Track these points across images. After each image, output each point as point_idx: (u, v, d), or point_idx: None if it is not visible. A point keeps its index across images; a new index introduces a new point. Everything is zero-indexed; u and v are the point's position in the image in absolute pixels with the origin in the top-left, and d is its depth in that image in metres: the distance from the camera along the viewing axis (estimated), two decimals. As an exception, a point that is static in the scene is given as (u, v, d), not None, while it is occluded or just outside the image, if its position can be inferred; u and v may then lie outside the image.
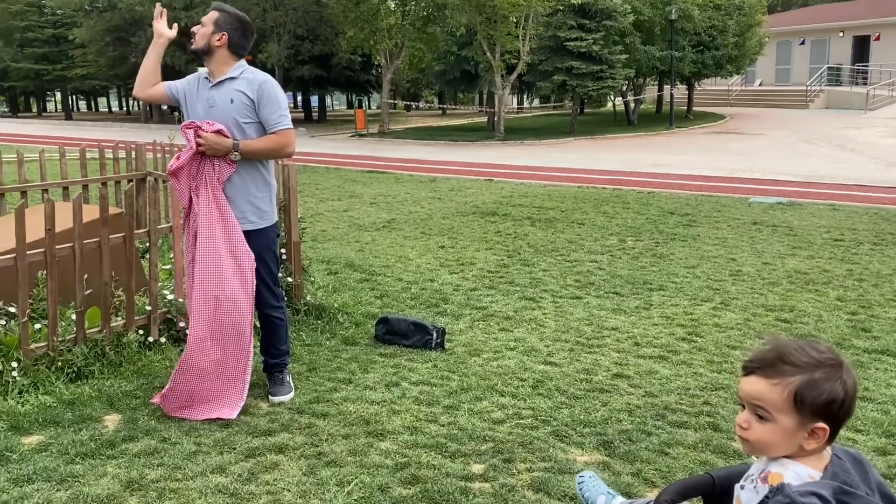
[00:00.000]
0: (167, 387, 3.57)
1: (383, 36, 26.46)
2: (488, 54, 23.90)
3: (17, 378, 3.68)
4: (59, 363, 3.88)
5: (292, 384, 3.86)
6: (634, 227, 8.64)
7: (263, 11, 29.53)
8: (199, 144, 3.46)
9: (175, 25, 3.70)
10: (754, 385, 1.36)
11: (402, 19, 27.14)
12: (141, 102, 40.18)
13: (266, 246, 3.68)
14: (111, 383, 3.88)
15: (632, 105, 28.47)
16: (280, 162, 4.93)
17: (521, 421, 3.53)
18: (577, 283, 6.10)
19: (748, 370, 1.40)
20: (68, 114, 44.04)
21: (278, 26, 30.07)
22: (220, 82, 3.56)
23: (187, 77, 3.74)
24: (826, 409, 1.33)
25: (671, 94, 26.25)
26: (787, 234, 8.14)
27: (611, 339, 4.73)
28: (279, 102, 3.57)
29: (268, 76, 3.63)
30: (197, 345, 3.51)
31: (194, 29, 3.61)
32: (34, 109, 53.63)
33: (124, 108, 54.96)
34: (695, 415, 3.61)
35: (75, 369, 3.91)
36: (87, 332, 4.05)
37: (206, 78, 3.65)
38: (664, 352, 4.50)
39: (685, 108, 30.52)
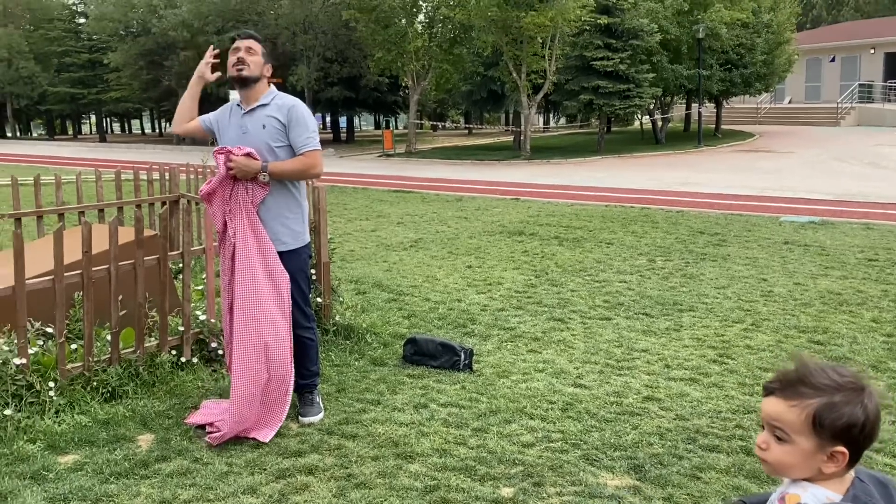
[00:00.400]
0: (220, 426, 3.57)
1: (410, 58, 26.72)
2: (514, 74, 24.00)
3: (54, 397, 3.75)
4: (94, 383, 3.95)
5: (322, 405, 3.89)
6: (664, 246, 8.59)
7: (293, 35, 30.02)
8: (229, 168, 3.52)
9: (217, 73, 3.77)
10: (773, 406, 1.36)
11: (429, 41, 27.41)
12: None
13: (299, 267, 3.74)
14: (144, 403, 3.94)
15: (659, 123, 28.36)
16: (311, 184, 5.00)
17: (551, 444, 3.51)
18: (606, 304, 6.07)
19: (768, 391, 1.40)
20: (102, 136, 44.98)
21: (308, 49, 30.52)
22: (252, 109, 3.64)
23: (221, 107, 3.83)
24: (846, 433, 1.31)
25: (699, 113, 26.10)
26: (819, 253, 8.03)
27: (641, 361, 4.69)
28: (307, 125, 3.65)
29: (297, 100, 3.72)
30: (243, 370, 3.53)
31: (242, 55, 3.61)
32: (70, 132, 54.85)
33: (157, 131, 55.98)
34: (727, 438, 3.57)
35: (110, 389, 3.98)
36: (122, 352, 4.12)
37: (239, 105, 3.72)
38: (695, 374, 4.46)
39: (713, 126, 30.33)
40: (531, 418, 3.80)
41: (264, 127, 3.59)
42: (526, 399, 4.05)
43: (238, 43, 3.65)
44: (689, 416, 3.83)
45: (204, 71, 3.78)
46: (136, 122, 61.56)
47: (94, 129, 52.25)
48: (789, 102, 38.04)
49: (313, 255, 4.86)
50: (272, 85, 3.74)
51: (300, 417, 3.77)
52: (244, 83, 3.62)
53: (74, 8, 45.43)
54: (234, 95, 3.79)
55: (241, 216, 3.54)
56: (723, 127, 30.77)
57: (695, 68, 25.35)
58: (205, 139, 4.00)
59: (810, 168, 17.90)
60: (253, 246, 3.53)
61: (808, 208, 11.58)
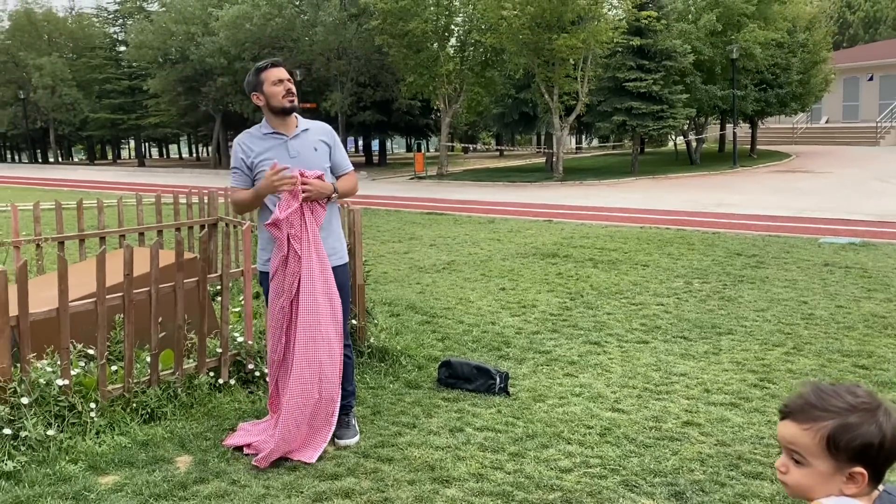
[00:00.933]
0: (260, 446, 3.60)
1: (442, 81, 26.94)
2: (546, 96, 24.05)
3: (95, 418, 3.81)
4: (134, 404, 4.00)
5: (357, 427, 3.89)
6: (700, 268, 8.48)
7: (327, 61, 30.46)
8: (305, 191, 3.54)
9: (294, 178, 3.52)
10: (788, 429, 1.38)
11: (461, 65, 27.62)
12: (210, 148, 41.75)
13: (346, 282, 3.87)
14: (182, 425, 3.97)
15: (693, 144, 28.15)
16: (346, 206, 5.05)
17: (589, 469, 3.46)
18: (643, 327, 6.00)
19: (783, 414, 1.41)
20: (141, 161, 45.96)
21: (341, 75, 30.93)
22: (297, 135, 3.72)
23: (238, 155, 3.69)
24: (862, 454, 1.31)
25: (734, 133, 25.86)
26: (861, 275, 7.85)
27: (680, 386, 4.62)
28: (343, 148, 3.93)
29: (325, 126, 3.91)
30: (298, 389, 3.56)
31: (290, 86, 3.68)
32: (110, 157, 56.16)
33: (194, 155, 57.06)
34: (770, 465, 3.48)
35: (149, 410, 4.02)
36: (161, 373, 4.16)
37: (275, 133, 3.71)
38: (736, 399, 4.37)
39: (749, 146, 30.02)
40: (569, 443, 3.76)
41: (316, 150, 3.72)
42: (563, 423, 4.00)
43: (280, 73, 3.68)
44: (731, 442, 3.75)
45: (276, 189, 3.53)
46: (173, 147, 62.83)
47: (133, 153, 53.44)
48: (826, 122, 37.51)
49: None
50: None
51: (336, 440, 3.77)
52: (291, 112, 3.72)
53: (115, 36, 46.72)
54: (257, 127, 3.83)
55: (308, 238, 3.58)
56: (758, 147, 30.44)
57: (729, 88, 25.17)
58: None
59: (849, 188, 17.59)
60: (316, 267, 3.59)
61: (849, 229, 11.36)
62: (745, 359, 5.12)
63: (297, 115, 3.81)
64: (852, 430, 1.30)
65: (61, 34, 44.96)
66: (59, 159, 50.38)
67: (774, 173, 22.79)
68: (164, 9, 38.36)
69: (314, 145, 3.71)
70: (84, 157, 56.65)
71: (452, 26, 27.49)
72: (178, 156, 62.13)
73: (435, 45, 26.75)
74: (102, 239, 6.21)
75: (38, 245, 5.85)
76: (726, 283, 7.62)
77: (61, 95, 42.21)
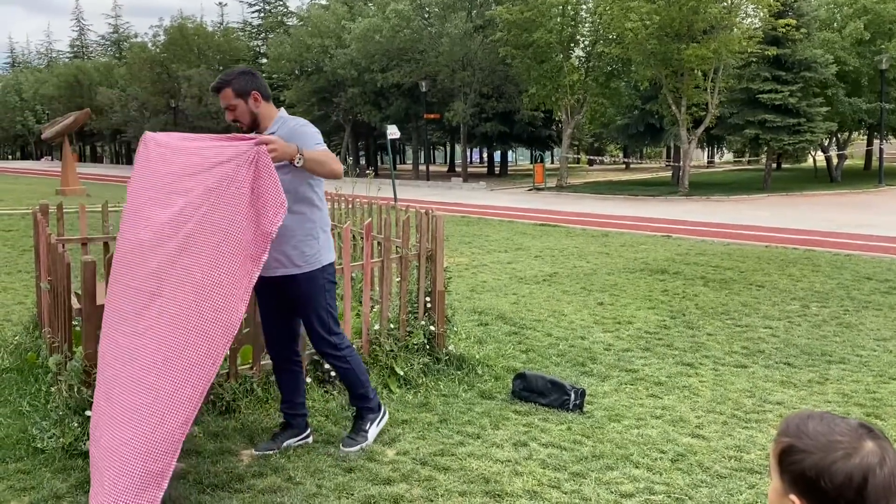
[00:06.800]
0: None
1: (565, 92, 26.63)
2: (673, 108, 23.24)
3: (173, 407, 3.96)
4: (212, 396, 4.13)
5: (371, 433, 3.77)
6: (822, 291, 7.86)
7: (452, 72, 30.88)
8: (270, 150, 3.14)
9: None
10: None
11: (586, 75, 27.21)
12: (340, 156, 43.23)
13: (305, 293, 3.59)
14: (254, 419, 4.06)
15: (834, 160, 26.34)
16: (430, 213, 5.03)
17: (653, 496, 3.24)
18: (744, 351, 5.61)
19: None
20: (276, 167, 48.25)
21: (465, 86, 31.26)
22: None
23: None
24: (800, 483, 1.14)
25: (881, 149, 23.98)
26: None
27: (772, 415, 4.27)
28: (312, 136, 3.49)
29: (298, 119, 3.62)
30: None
31: (229, 117, 3.56)
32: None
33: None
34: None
35: (225, 403, 4.14)
36: (239, 368, 4.29)
37: (256, 133, 3.63)
38: (835, 434, 3.97)
39: (899, 163, 27.75)
40: (636, 467, 3.54)
41: None
42: (634, 446, 3.79)
43: (221, 103, 3.56)
44: (820, 481, 3.40)
45: None
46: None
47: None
48: None
49: (418, 283, 4.82)
50: (281, 109, 3.69)
51: (340, 447, 3.70)
52: (250, 130, 3.54)
53: (258, 49, 49.46)
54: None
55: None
56: (910, 165, 28.08)
57: (876, 101, 23.38)
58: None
59: None
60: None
61: None
62: (854, 391, 4.67)
63: (281, 111, 3.63)
64: (797, 454, 1.15)
65: (209, 47, 48.07)
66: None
67: (926, 193, 20.94)
68: (301, 23, 40.25)
69: None
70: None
71: (578, 37, 27.17)
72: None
73: (559, 55, 26.51)
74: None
75: (105, 243, 6.08)
76: (848, 309, 7.01)
77: (207, 104, 45.07)
